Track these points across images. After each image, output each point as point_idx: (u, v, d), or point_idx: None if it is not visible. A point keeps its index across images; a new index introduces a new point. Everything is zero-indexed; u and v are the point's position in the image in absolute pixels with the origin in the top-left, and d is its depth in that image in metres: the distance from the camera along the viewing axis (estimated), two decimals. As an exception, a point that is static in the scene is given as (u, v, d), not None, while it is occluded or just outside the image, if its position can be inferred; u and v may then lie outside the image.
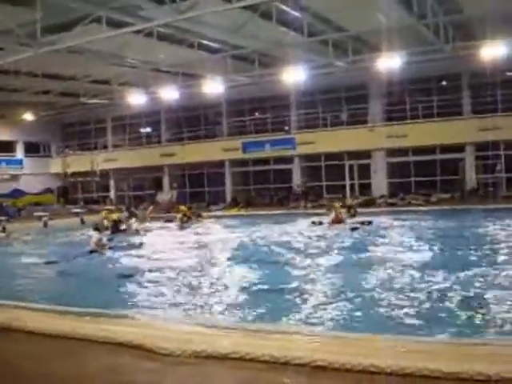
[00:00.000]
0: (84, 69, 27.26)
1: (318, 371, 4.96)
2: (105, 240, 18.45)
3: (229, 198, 38.37)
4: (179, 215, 26.17)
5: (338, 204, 23.46)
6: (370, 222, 22.42)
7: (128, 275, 12.95)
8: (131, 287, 11.66)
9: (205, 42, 23.82)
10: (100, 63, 26.07)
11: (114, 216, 24.52)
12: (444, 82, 33.72)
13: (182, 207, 27.64)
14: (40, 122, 40.33)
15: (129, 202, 41.15)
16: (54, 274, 14.14)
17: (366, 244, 16.82)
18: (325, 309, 8.87)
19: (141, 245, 18.91)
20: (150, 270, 13.62)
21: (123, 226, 23.83)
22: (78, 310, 7.94)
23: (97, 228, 18.70)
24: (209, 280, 11.99)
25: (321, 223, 21.91)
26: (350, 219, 23.09)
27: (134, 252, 17.48)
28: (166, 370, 5.33)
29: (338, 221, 21.95)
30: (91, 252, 17.34)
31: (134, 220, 24.53)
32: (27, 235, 24.70)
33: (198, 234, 22.56)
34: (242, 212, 32.45)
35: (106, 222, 24.94)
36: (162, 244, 19.64)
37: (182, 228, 24.75)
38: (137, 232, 23.23)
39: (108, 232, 22.24)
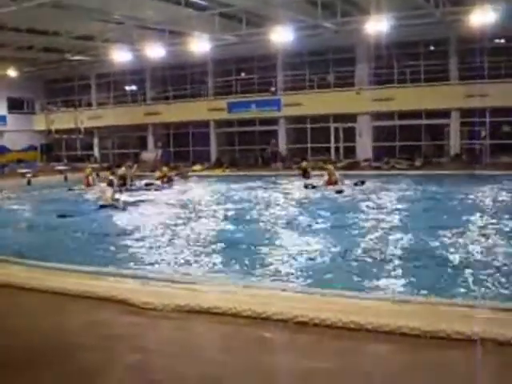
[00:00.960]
0: (68, 24, 26.76)
1: (299, 327, 5.05)
2: (117, 195, 18.43)
3: (213, 158, 38.30)
4: (157, 175, 25.70)
5: (330, 166, 23.32)
6: (362, 182, 22.58)
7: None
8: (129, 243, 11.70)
9: (192, -2, 23.51)
10: (85, 19, 25.58)
11: (121, 172, 24.59)
12: (432, 47, 33.57)
13: (164, 168, 26.57)
14: (23, 78, 39.69)
15: (112, 161, 41.03)
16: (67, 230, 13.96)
17: (355, 206, 16.96)
18: (310, 266, 8.99)
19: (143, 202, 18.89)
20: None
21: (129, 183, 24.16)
22: (62, 266, 8.00)
23: (111, 183, 18.62)
24: (197, 237, 12.07)
25: (314, 187, 21.61)
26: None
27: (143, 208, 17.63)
28: (149, 325, 5.40)
29: (332, 182, 21.90)
30: (102, 207, 17.32)
31: (109, 189, 24.53)
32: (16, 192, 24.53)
33: (184, 193, 22.49)
34: (227, 172, 32.45)
35: (90, 179, 25.38)
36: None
37: (158, 189, 23.47)
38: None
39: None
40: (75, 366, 4.50)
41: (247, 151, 37.95)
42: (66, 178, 29.78)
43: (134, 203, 18.71)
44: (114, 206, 17.30)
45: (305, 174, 26.36)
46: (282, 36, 26.36)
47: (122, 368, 4.44)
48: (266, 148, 36.84)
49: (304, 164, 27.42)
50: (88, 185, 25.25)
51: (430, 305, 5.76)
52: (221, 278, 7.91)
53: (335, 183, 21.83)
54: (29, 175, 29.36)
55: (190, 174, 29.87)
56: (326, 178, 22.17)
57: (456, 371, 4.28)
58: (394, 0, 22.56)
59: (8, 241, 12.08)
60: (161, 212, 16.78)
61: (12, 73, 36.70)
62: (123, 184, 23.21)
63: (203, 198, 20.64)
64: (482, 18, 22.48)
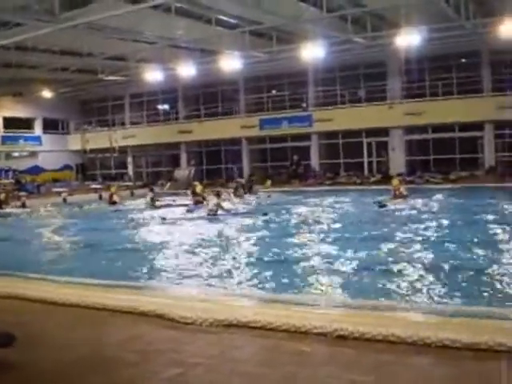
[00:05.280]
0: (102, 45, 27.24)
1: (338, 340, 5.01)
2: (222, 205, 19.88)
3: (246, 175, 38.40)
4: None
5: (396, 180, 23.18)
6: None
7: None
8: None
9: (223, 17, 23.68)
10: (118, 39, 26.01)
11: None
12: (463, 60, 33.31)
13: (196, 183, 26.21)
14: (58, 98, 40.43)
15: (146, 179, 41.54)
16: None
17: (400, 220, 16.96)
18: (350, 280, 9.00)
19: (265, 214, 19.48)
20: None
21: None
22: (100, 282, 8.12)
23: (218, 194, 20.54)
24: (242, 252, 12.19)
25: (384, 205, 20.55)
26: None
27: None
28: (187, 339, 5.40)
29: (397, 196, 21.77)
30: (209, 215, 19.22)
31: (150, 194, 25.28)
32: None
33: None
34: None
35: (115, 197, 26.58)
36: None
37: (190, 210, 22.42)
38: (151, 205, 24.31)
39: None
40: (114, 380, 4.53)
41: (280, 167, 37.97)
42: (100, 197, 30.20)
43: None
44: (217, 214, 19.14)
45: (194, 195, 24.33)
46: (312, 52, 26.41)
47: (162, 382, 4.44)
48: (288, 166, 37.02)
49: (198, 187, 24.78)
50: (112, 202, 25.78)
51: (470, 317, 5.69)
52: (259, 293, 7.90)
53: (401, 197, 21.63)
54: (64, 194, 29.95)
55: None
56: (391, 192, 22.11)
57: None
58: (423, 13, 22.45)
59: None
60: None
61: (47, 94, 37.36)
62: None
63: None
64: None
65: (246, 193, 27.95)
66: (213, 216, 18.94)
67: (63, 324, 6.21)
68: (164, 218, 19.67)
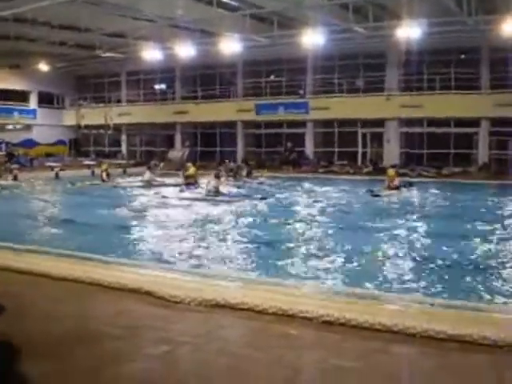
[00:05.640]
0: (101, 21, 27.02)
1: (325, 326, 5.06)
2: (221, 188, 20.01)
3: (239, 158, 38.32)
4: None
5: (392, 171, 23.18)
6: (411, 184, 23.16)
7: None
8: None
9: (224, -1, 23.56)
10: (117, 15, 25.81)
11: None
12: (463, 55, 33.24)
13: (189, 164, 25.61)
14: (54, 73, 40.04)
15: (140, 158, 41.42)
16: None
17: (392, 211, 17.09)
18: (339, 267, 9.09)
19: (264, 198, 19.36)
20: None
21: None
22: (90, 255, 8.11)
23: (217, 176, 20.63)
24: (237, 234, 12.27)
25: (377, 195, 20.82)
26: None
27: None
28: (175, 317, 5.44)
29: (391, 187, 21.79)
30: (207, 195, 19.48)
31: (148, 172, 25.39)
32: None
33: None
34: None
35: (104, 175, 26.46)
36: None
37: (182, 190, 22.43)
38: (148, 183, 24.32)
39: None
40: (100, 353, 4.57)
41: (273, 153, 37.91)
42: (93, 173, 30.12)
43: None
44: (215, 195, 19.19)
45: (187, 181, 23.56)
46: (312, 39, 26.25)
47: (148, 357, 4.48)
48: (281, 151, 37.01)
49: (192, 169, 24.22)
50: (103, 180, 25.82)
51: (456, 309, 5.74)
52: (248, 275, 7.94)
53: (394, 188, 21.70)
54: (57, 169, 29.90)
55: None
56: (386, 183, 22.19)
57: (481, 376, 4.25)
58: (426, 6, 22.37)
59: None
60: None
61: (44, 67, 37.05)
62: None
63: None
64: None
65: (246, 176, 27.93)
66: (210, 197, 19.03)
67: (51, 296, 6.25)
68: (163, 197, 19.93)
